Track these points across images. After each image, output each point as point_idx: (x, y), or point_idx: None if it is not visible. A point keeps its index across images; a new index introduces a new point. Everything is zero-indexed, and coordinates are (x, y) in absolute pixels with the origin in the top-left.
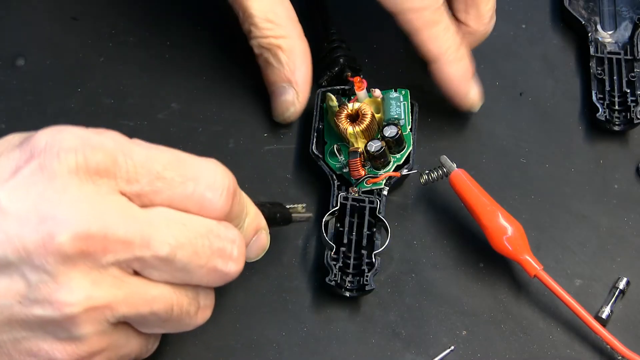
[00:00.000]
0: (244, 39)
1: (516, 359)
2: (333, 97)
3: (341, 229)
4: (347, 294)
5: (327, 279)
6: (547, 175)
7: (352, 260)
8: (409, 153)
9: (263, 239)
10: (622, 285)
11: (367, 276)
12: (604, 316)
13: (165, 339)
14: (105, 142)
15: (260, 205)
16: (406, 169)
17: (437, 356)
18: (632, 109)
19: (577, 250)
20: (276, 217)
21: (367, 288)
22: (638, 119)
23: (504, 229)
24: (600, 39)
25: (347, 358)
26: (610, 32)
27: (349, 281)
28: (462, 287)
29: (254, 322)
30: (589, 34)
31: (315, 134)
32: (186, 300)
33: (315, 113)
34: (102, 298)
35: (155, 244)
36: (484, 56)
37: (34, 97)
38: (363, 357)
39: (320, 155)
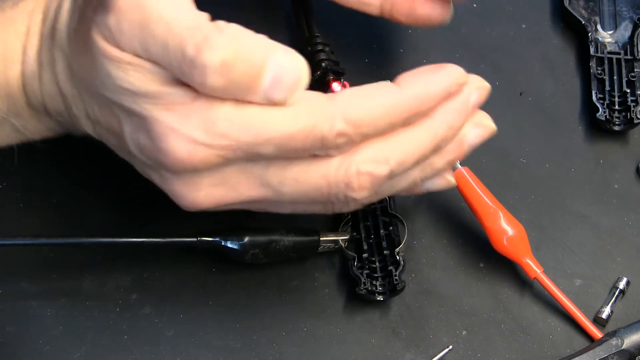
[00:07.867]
0: None
1: (516, 359)
2: None
3: (357, 236)
4: (381, 297)
5: (357, 290)
6: (547, 175)
7: (377, 263)
8: None
9: None
10: (622, 285)
11: (395, 276)
12: (604, 316)
13: (164, 339)
14: None
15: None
16: None
17: (436, 356)
18: (632, 109)
19: (577, 250)
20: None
21: (398, 288)
22: (638, 119)
23: (505, 230)
24: (600, 39)
25: (347, 358)
26: (610, 32)
27: (379, 285)
28: (462, 287)
29: (254, 322)
30: (589, 34)
31: None
32: None
33: None
34: None
35: None
36: (484, 56)
37: None
38: (363, 357)
39: None
